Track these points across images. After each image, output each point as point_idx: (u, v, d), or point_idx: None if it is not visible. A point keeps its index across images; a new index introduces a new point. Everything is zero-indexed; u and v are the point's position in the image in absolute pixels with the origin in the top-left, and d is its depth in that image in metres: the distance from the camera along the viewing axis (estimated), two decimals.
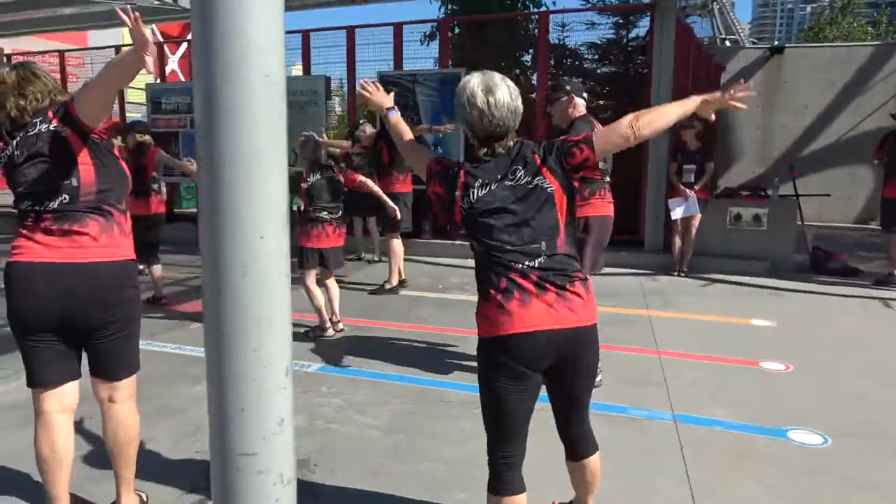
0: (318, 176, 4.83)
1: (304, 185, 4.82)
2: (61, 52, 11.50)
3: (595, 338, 2.12)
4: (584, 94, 3.84)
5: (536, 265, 1.97)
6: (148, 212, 5.56)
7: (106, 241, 2.28)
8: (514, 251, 1.97)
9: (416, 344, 4.75)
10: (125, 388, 2.43)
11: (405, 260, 6.70)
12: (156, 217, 5.69)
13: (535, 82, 8.79)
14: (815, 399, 3.67)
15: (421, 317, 5.44)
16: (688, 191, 6.81)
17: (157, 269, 5.70)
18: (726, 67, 11.80)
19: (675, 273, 6.94)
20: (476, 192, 2.02)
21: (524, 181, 2.02)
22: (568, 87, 3.83)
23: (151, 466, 2.85)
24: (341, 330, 5.02)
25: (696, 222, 6.89)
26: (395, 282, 6.34)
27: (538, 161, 2.03)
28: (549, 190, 2.01)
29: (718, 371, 4.12)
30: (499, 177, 2.03)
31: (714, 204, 7.15)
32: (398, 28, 8.67)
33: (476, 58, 10.09)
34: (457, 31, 10.89)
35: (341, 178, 4.96)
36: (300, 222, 4.84)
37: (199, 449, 3.06)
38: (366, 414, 3.49)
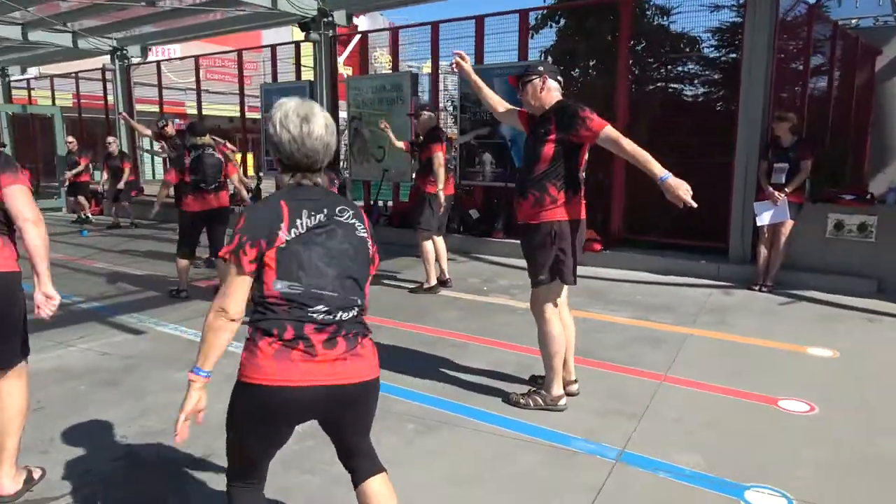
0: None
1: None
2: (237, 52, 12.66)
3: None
4: (559, 78, 3.42)
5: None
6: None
7: None
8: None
9: (410, 347, 4.58)
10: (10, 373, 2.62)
11: (467, 259, 6.54)
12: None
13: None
14: (814, 452, 2.98)
15: (440, 319, 5.25)
16: (777, 193, 5.90)
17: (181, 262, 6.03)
18: (883, 51, 10.14)
19: (757, 287, 6.05)
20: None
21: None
22: (541, 69, 3.44)
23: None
24: None
25: (786, 230, 5.96)
26: (432, 282, 6.19)
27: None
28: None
29: (720, 406, 3.50)
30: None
31: (810, 209, 6.12)
32: (480, 21, 8.46)
33: (576, 48, 9.62)
34: (561, 21, 10.43)
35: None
36: None
37: None
38: None
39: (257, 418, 1.85)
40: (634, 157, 3.06)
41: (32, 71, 17.29)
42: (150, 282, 6.71)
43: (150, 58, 13.72)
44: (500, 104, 3.78)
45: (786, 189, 5.90)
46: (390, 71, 10.12)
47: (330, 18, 9.72)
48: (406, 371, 4.04)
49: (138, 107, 13.83)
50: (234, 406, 1.88)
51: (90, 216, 11.82)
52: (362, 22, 11.60)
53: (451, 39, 9.28)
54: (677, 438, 3.13)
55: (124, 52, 13.23)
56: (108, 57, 13.26)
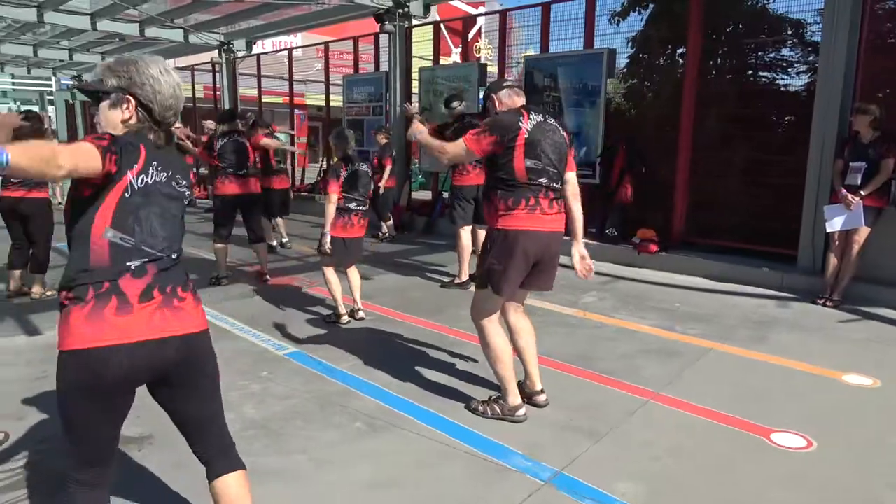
0: (353, 167, 4.81)
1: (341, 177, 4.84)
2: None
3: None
4: (502, 92, 3.26)
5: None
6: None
7: None
8: None
9: (405, 343, 4.50)
10: None
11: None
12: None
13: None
14: (786, 496, 2.58)
15: (455, 316, 5.10)
16: (850, 196, 5.20)
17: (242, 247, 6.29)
18: None
19: (821, 301, 5.38)
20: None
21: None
22: (489, 91, 3.37)
23: None
24: (361, 318, 5.00)
25: (859, 238, 5.24)
26: (463, 277, 6.06)
27: None
28: None
29: (702, 434, 3.13)
30: None
31: (892, 215, 5.34)
32: (546, 8, 8.13)
33: (670, 36, 8.98)
34: (650, 7, 9.80)
35: (368, 169, 4.93)
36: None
37: None
38: (266, 408, 3.43)
39: (84, 390, 1.73)
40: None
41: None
42: (205, 266, 7.09)
43: (271, 50, 14.49)
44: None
45: (861, 192, 5.19)
46: (488, 60, 10.00)
47: (406, 9, 9.77)
48: (384, 366, 3.97)
49: (265, 98, 14.54)
50: (58, 383, 1.76)
51: (195, 199, 12.79)
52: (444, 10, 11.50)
53: (529, 26, 9.04)
54: (632, 465, 2.83)
55: (231, 45, 14.07)
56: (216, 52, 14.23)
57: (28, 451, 2.93)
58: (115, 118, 1.81)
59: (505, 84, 3.33)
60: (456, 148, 3.18)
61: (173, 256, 1.85)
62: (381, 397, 3.54)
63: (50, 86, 24.54)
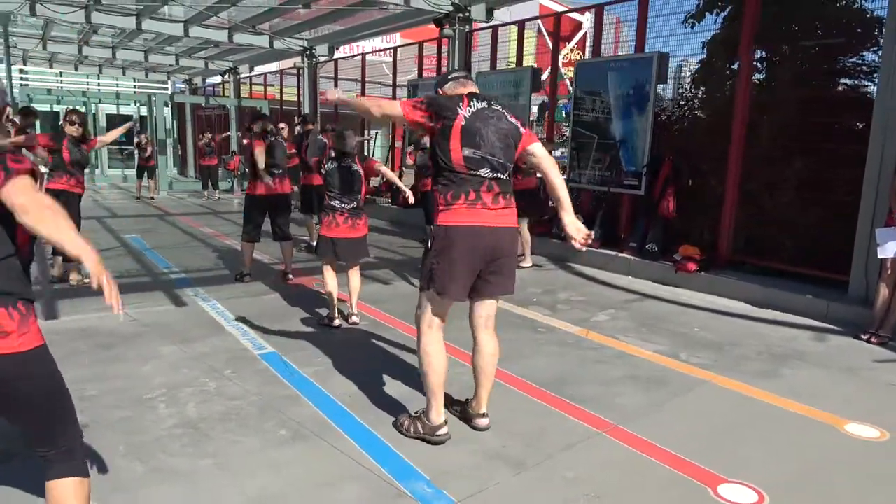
0: (336, 164, 4.80)
1: (322, 173, 4.87)
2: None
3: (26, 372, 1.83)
4: (447, 85, 3.10)
5: None
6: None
7: None
8: None
9: (386, 349, 4.40)
10: None
11: (555, 266, 6.09)
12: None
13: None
14: None
15: (458, 328, 4.90)
16: None
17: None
18: None
19: (866, 337, 4.74)
20: None
21: None
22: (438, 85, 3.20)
23: None
24: (354, 323, 4.95)
25: None
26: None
27: None
28: None
29: (642, 479, 2.80)
30: None
31: None
32: (600, 10, 7.77)
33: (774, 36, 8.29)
34: (728, 8, 9.12)
35: (359, 169, 4.85)
36: (322, 211, 4.90)
37: None
38: (208, 407, 3.44)
39: None
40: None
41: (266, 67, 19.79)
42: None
43: (347, 55, 14.95)
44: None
45: None
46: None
47: (466, 14, 9.69)
48: (347, 373, 3.90)
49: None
50: None
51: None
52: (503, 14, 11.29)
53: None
54: (539, 503, 2.58)
55: (313, 51, 14.57)
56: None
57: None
58: None
59: (451, 76, 3.14)
60: (391, 106, 3.04)
61: None
62: (324, 405, 3.45)
63: (166, 88, 26.58)
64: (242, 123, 16.11)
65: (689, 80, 7.81)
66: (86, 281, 6.09)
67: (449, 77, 3.15)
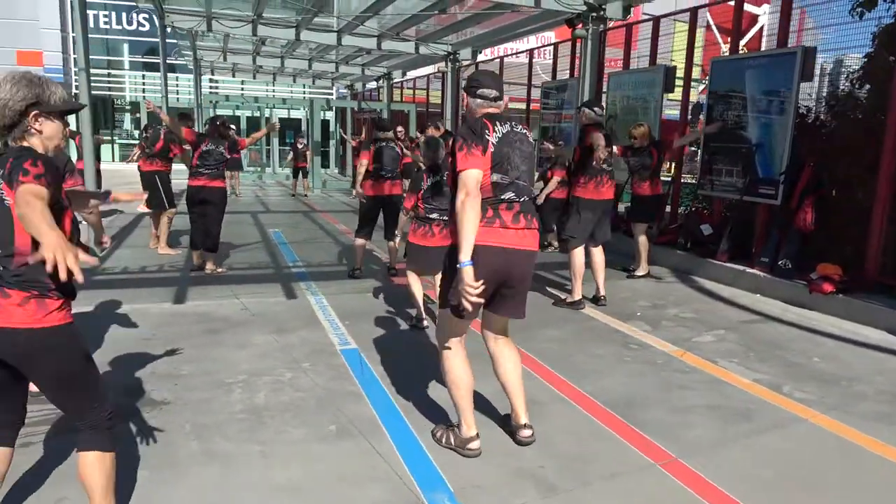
0: (438, 178, 4.84)
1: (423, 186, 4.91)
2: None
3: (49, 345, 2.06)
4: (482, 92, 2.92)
5: None
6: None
7: None
8: None
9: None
10: None
11: (676, 279, 5.81)
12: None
13: None
14: None
15: (534, 337, 4.77)
16: None
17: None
18: None
19: None
20: None
21: None
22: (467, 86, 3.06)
23: None
24: (426, 327, 4.98)
25: None
26: (576, 296, 5.65)
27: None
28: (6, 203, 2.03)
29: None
30: None
31: None
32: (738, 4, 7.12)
33: None
34: None
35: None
36: (413, 219, 4.97)
37: None
38: (276, 397, 3.65)
39: None
40: None
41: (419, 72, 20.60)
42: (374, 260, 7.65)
43: (487, 58, 15.13)
44: None
45: None
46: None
47: (601, 12, 9.35)
48: (411, 373, 3.95)
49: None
50: None
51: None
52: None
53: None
54: None
55: (456, 55, 14.87)
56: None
57: None
58: None
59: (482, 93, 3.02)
60: (462, 182, 2.72)
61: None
62: (380, 405, 3.52)
63: (331, 94, 28.51)
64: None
65: (844, 77, 6.91)
66: (220, 270, 6.73)
67: (482, 89, 2.99)
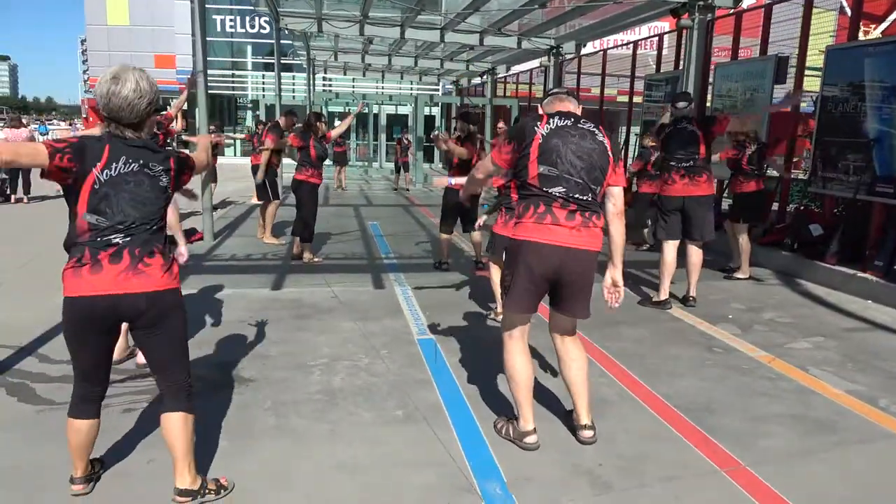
0: None
1: None
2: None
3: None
4: (546, 100, 3.06)
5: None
6: None
7: None
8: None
9: (540, 354, 4.37)
10: None
11: (780, 282, 5.55)
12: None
13: None
14: None
15: (611, 335, 4.70)
16: None
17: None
18: None
19: None
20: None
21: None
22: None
23: None
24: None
25: None
26: (662, 296, 5.48)
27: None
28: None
29: None
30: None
31: None
32: None
33: None
34: None
35: None
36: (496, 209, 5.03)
37: None
38: (351, 381, 3.84)
39: (69, 328, 2.32)
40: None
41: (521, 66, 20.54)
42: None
43: (590, 52, 14.83)
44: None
45: None
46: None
47: (709, 1, 8.92)
48: (482, 362, 4.00)
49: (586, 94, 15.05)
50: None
51: None
52: None
53: None
54: None
55: (559, 49, 14.68)
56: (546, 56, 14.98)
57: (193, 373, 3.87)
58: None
59: (552, 91, 3.06)
60: (484, 164, 3.11)
61: (146, 228, 2.29)
62: (448, 394, 3.61)
63: (437, 90, 28.98)
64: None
65: None
66: (316, 259, 7.09)
67: (551, 92, 3.08)
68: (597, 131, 2.89)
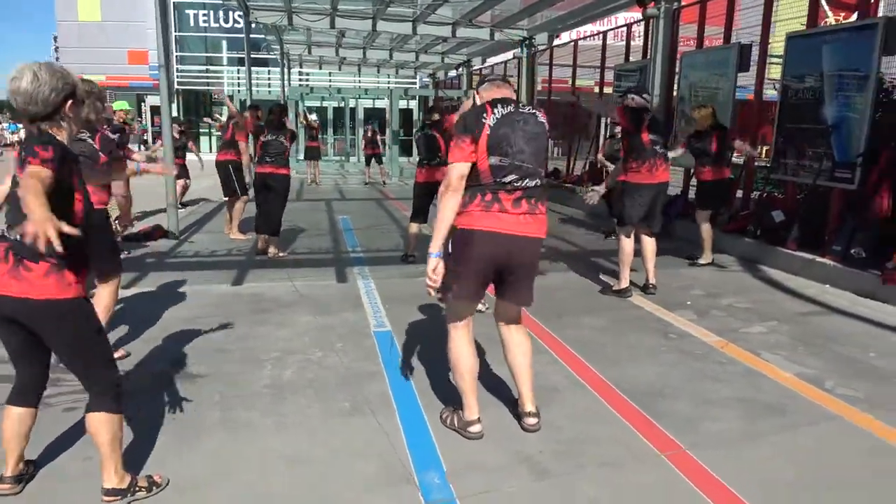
0: None
1: None
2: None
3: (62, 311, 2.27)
4: (483, 86, 3.01)
5: None
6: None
7: None
8: None
9: (496, 343, 4.38)
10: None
11: (742, 268, 5.57)
12: None
13: None
14: None
15: (567, 324, 4.71)
16: None
17: None
18: None
19: None
20: None
21: None
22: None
23: None
24: (480, 311, 4.99)
25: None
26: (622, 284, 5.50)
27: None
28: None
29: None
30: None
31: None
32: None
33: None
34: None
35: None
36: None
37: None
38: (301, 374, 3.82)
39: None
40: None
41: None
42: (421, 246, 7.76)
43: (559, 43, 14.85)
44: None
45: None
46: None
47: None
48: (442, 357, 3.98)
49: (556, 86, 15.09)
50: None
51: None
52: None
53: None
54: None
55: (532, 40, 14.68)
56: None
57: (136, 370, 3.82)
58: None
59: (488, 78, 3.03)
60: (450, 171, 2.81)
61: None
62: (398, 386, 3.60)
63: (415, 83, 28.86)
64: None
65: None
66: (281, 255, 7.04)
67: (487, 78, 3.03)
68: (537, 113, 2.88)
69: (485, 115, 2.79)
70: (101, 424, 2.38)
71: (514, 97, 2.97)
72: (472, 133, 2.79)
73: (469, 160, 2.79)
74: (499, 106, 2.82)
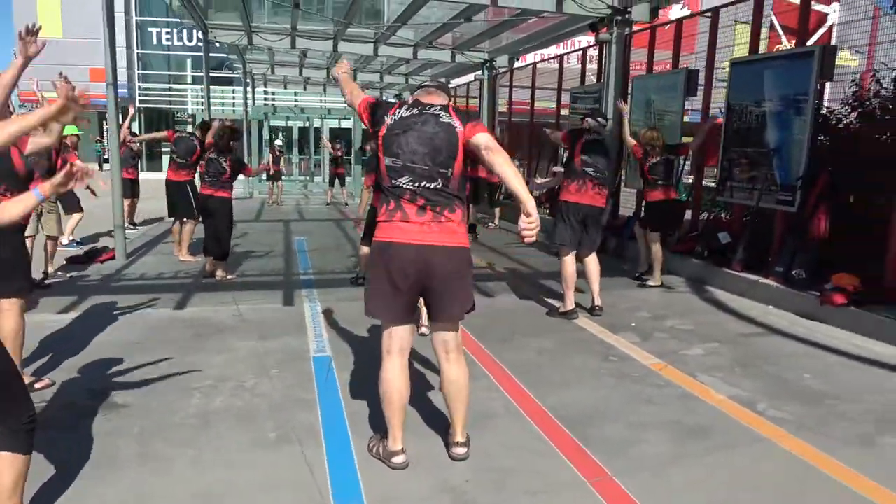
0: None
1: None
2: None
3: None
4: (417, 92, 2.96)
5: None
6: None
7: None
8: None
9: (420, 363, 4.33)
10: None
11: (688, 289, 5.61)
12: None
13: None
14: None
15: (513, 347, 4.70)
16: None
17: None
18: None
19: None
20: None
21: None
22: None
23: None
24: (423, 334, 4.94)
25: None
26: (568, 306, 5.50)
27: None
28: None
29: None
30: None
31: None
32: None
33: None
34: None
35: None
36: None
37: None
38: (230, 402, 3.72)
39: None
40: None
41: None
42: None
43: (521, 65, 15.02)
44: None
45: None
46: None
47: (627, 16, 9.13)
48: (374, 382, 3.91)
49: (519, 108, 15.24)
50: None
51: None
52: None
53: None
54: None
55: (493, 62, 14.83)
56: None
57: (55, 400, 3.67)
58: None
59: (424, 84, 2.98)
60: (355, 99, 2.98)
61: None
62: (329, 414, 3.51)
63: None
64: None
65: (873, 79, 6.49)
66: (229, 278, 6.90)
67: (422, 85, 3.00)
68: (443, 114, 2.77)
69: (388, 112, 2.78)
70: (6, 465, 2.23)
71: (446, 103, 2.87)
72: (375, 118, 2.83)
73: (361, 115, 2.92)
74: (405, 107, 2.79)
